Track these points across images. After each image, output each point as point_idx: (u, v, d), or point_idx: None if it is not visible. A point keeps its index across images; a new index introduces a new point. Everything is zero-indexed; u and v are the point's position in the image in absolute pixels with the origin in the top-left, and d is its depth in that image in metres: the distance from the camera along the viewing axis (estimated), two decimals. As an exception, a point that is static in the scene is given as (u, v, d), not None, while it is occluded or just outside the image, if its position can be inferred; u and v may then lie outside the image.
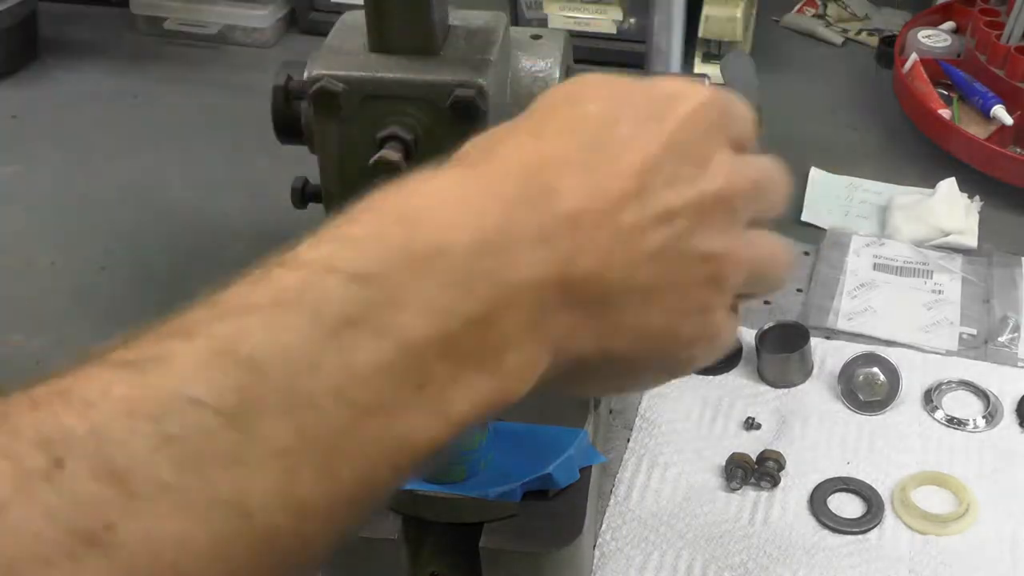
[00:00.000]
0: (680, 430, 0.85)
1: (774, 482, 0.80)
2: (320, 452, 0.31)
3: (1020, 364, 0.91)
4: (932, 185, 1.08)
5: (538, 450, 0.70)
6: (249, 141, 1.11)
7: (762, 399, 0.88)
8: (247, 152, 1.18)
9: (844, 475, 0.81)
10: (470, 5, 0.63)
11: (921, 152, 1.17)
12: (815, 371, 0.90)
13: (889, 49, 1.31)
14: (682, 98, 0.40)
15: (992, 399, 0.87)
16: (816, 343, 0.91)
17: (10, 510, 0.27)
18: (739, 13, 1.25)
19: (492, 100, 0.58)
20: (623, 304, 0.37)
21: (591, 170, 0.37)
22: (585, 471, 0.70)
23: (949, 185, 1.07)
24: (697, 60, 1.30)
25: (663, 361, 0.41)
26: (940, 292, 0.98)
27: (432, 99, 0.57)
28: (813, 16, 1.44)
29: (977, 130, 1.13)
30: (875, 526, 0.77)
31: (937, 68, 1.21)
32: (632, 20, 1.33)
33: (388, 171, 0.56)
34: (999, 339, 0.93)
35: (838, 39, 1.40)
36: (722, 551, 0.76)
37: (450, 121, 0.57)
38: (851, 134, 1.23)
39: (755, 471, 0.81)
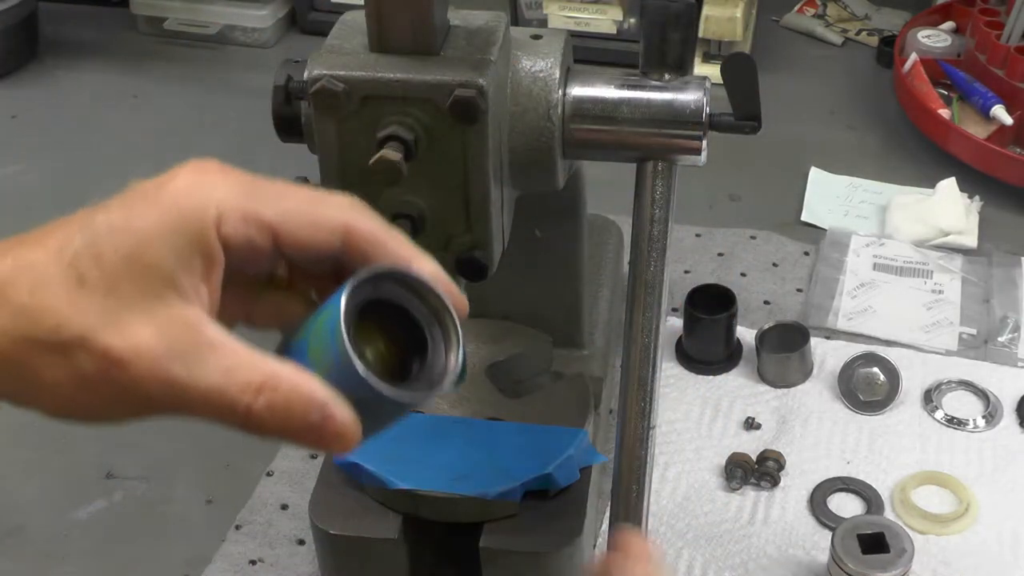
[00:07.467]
0: (680, 430, 0.85)
1: (774, 482, 0.80)
2: None
3: (1020, 364, 0.91)
4: (932, 185, 1.08)
5: (538, 450, 0.70)
6: (249, 141, 1.10)
7: (762, 399, 0.88)
8: (247, 152, 1.18)
9: (844, 475, 0.81)
10: (470, 5, 0.63)
11: (921, 152, 1.17)
12: (815, 371, 0.90)
13: (889, 49, 1.31)
14: None
15: (992, 399, 0.87)
16: (816, 343, 0.91)
17: None
18: (739, 13, 1.25)
19: (492, 100, 0.58)
20: None
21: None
22: (585, 471, 0.70)
23: (949, 185, 1.07)
24: (697, 60, 1.29)
25: None
26: (940, 292, 0.98)
27: (432, 99, 0.57)
28: (813, 16, 1.44)
29: (977, 130, 1.13)
30: (875, 526, 0.77)
31: (937, 68, 1.21)
32: (632, 20, 1.33)
33: (388, 171, 0.56)
34: (999, 339, 0.93)
35: (838, 39, 1.40)
36: (722, 551, 0.76)
37: (450, 121, 0.57)
38: (851, 134, 1.23)
39: (755, 471, 0.81)
